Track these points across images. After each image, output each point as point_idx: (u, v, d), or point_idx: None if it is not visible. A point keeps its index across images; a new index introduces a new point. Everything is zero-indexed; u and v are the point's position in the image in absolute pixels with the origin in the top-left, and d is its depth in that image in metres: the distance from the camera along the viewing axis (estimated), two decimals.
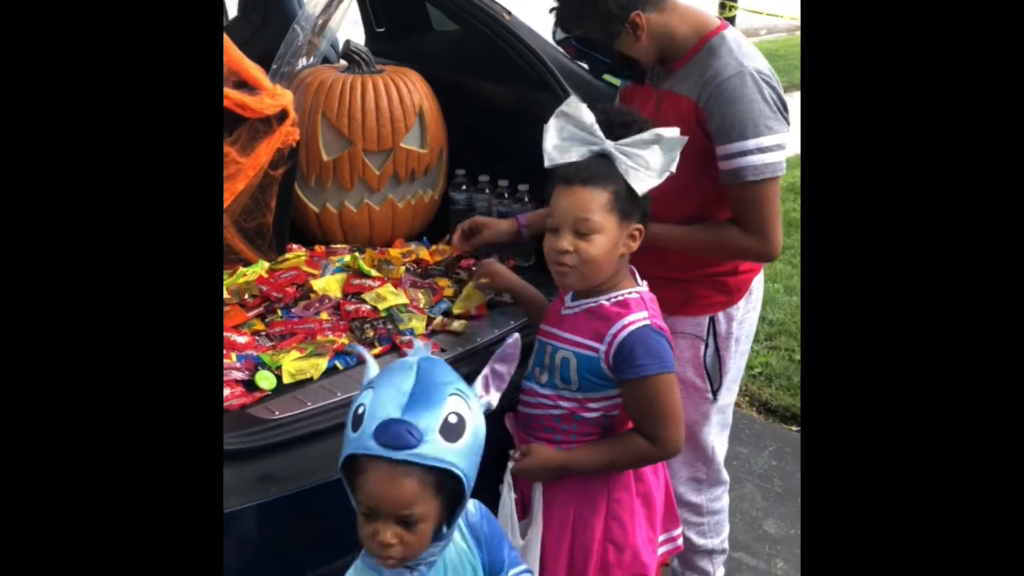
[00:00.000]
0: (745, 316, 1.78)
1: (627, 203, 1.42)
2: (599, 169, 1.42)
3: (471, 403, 1.22)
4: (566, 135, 1.44)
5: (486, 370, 1.32)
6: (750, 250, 1.61)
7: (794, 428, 3.05)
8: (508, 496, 1.49)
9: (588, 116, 1.43)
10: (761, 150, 1.53)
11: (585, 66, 2.21)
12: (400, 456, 1.12)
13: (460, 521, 1.28)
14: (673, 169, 1.41)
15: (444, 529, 1.22)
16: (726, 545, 2.07)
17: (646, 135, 1.41)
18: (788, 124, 1.58)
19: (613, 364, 1.44)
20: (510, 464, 1.48)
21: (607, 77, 2.14)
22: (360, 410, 1.18)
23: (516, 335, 1.35)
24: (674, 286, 1.67)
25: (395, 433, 1.12)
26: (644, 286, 1.51)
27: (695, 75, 1.59)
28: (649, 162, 1.40)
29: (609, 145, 1.41)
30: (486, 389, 1.32)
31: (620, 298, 1.46)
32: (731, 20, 3.37)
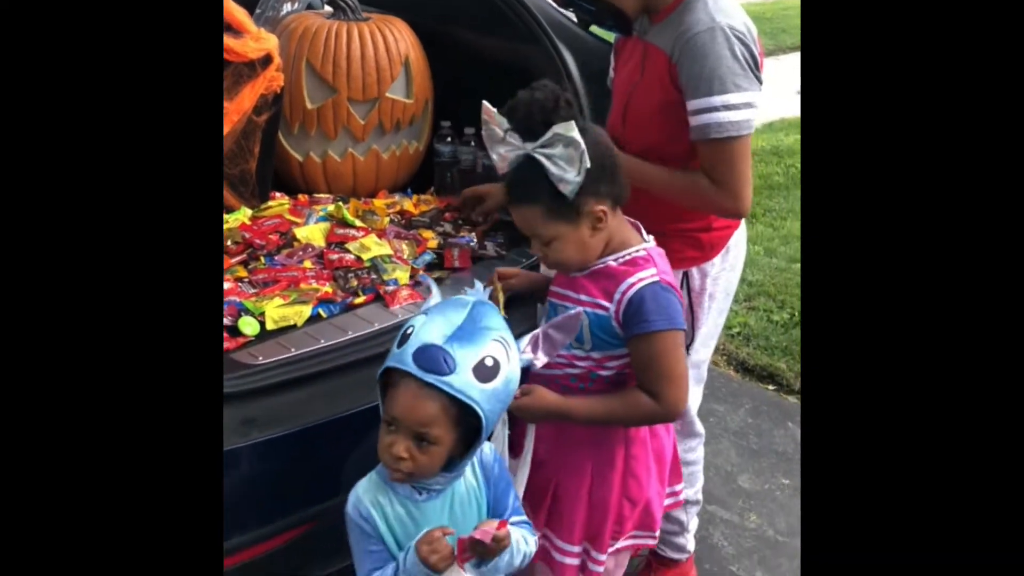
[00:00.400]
0: (720, 273, 1.78)
1: (560, 205, 1.37)
2: (525, 180, 1.37)
3: (510, 353, 1.28)
4: (495, 143, 1.40)
5: (539, 331, 1.37)
6: (719, 205, 1.61)
7: (770, 387, 3.10)
8: (502, 432, 1.47)
9: (499, 126, 1.38)
10: (728, 107, 1.52)
11: (573, 18, 2.20)
12: (430, 379, 1.19)
13: (474, 459, 1.34)
14: (587, 163, 1.32)
15: (456, 462, 1.28)
16: (700, 496, 2.10)
17: (549, 134, 1.32)
18: (759, 83, 1.57)
19: (623, 321, 1.43)
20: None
21: (594, 29, 2.13)
22: (409, 331, 1.25)
23: (579, 309, 1.39)
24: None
25: (431, 357, 1.20)
26: (651, 241, 1.50)
27: (672, 29, 1.58)
28: (566, 159, 1.33)
29: (529, 149, 1.35)
30: (534, 348, 1.36)
31: (627, 257, 1.45)
32: None
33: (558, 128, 1.31)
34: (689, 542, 2.14)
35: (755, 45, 1.58)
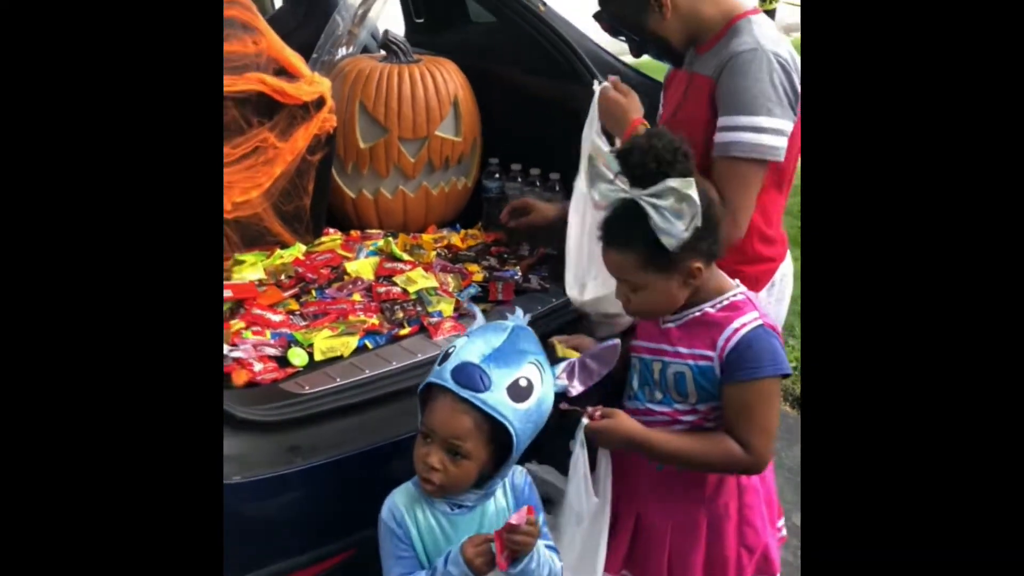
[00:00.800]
0: (767, 307, 1.77)
1: (659, 255, 1.32)
2: (628, 226, 1.33)
3: (545, 377, 1.35)
4: (599, 180, 1.37)
5: (575, 359, 1.42)
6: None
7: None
8: (581, 454, 1.42)
9: (613, 164, 1.34)
10: (756, 129, 1.53)
11: (621, 58, 2.24)
12: (465, 394, 1.27)
13: (506, 482, 1.39)
14: (698, 222, 1.28)
15: (487, 480, 1.34)
16: None
17: (662, 186, 1.29)
18: (793, 114, 1.57)
19: (724, 366, 1.36)
20: (584, 420, 1.40)
21: (641, 65, 2.15)
22: (451, 350, 1.34)
23: (617, 341, 1.41)
24: None
25: (469, 374, 1.28)
26: (742, 286, 1.45)
27: (717, 54, 1.61)
28: (675, 213, 1.28)
29: (636, 195, 1.31)
30: (569, 377, 1.41)
31: (726, 302, 1.40)
32: (771, 13, 3.35)
33: (674, 183, 1.28)
34: None
35: (797, 75, 1.58)
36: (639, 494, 1.50)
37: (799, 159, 1.75)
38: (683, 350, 1.40)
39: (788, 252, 1.85)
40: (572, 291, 1.76)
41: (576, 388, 1.39)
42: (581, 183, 1.66)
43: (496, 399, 1.27)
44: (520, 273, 2.05)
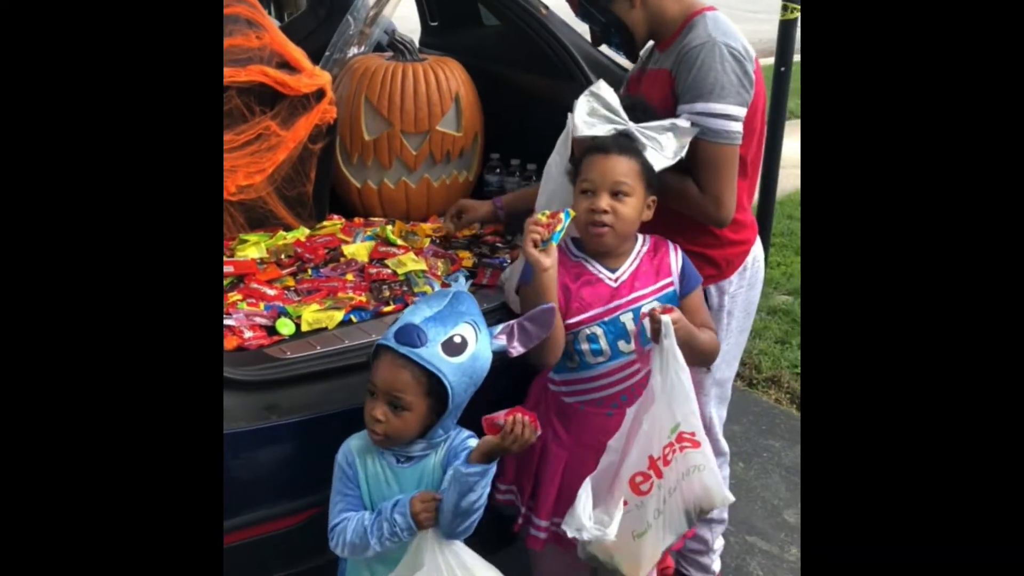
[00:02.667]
0: (738, 291, 1.84)
1: (651, 174, 1.60)
2: (628, 143, 1.59)
3: (480, 335, 1.47)
4: (594, 112, 1.60)
5: (514, 322, 1.53)
6: (703, 210, 1.70)
7: None
8: (671, 344, 1.49)
9: (615, 99, 1.61)
10: (711, 114, 1.62)
11: (613, 60, 2.34)
12: (403, 351, 1.40)
13: (442, 450, 1.49)
14: (683, 155, 1.60)
15: (430, 430, 1.46)
16: (725, 515, 2.13)
17: (664, 122, 1.60)
18: (746, 99, 1.66)
19: (681, 283, 1.67)
20: (666, 318, 1.47)
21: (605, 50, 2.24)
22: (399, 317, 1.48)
23: (553, 304, 1.53)
24: None
25: (407, 332, 1.41)
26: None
27: (675, 50, 1.70)
28: (664, 145, 1.59)
29: (632, 126, 1.59)
30: (508, 338, 1.52)
31: (648, 241, 1.69)
32: (791, 23, 3.40)
33: (680, 121, 1.60)
34: (715, 562, 2.16)
35: (750, 63, 1.67)
36: (575, 433, 1.68)
37: (760, 148, 1.82)
38: (647, 289, 1.64)
39: (757, 237, 1.91)
40: None
41: (516, 349, 1.51)
42: (553, 165, 1.79)
43: (431, 353, 1.39)
44: (509, 261, 2.15)
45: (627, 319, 1.63)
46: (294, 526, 1.67)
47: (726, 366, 1.93)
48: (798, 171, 5.04)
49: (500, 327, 1.52)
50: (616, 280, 1.64)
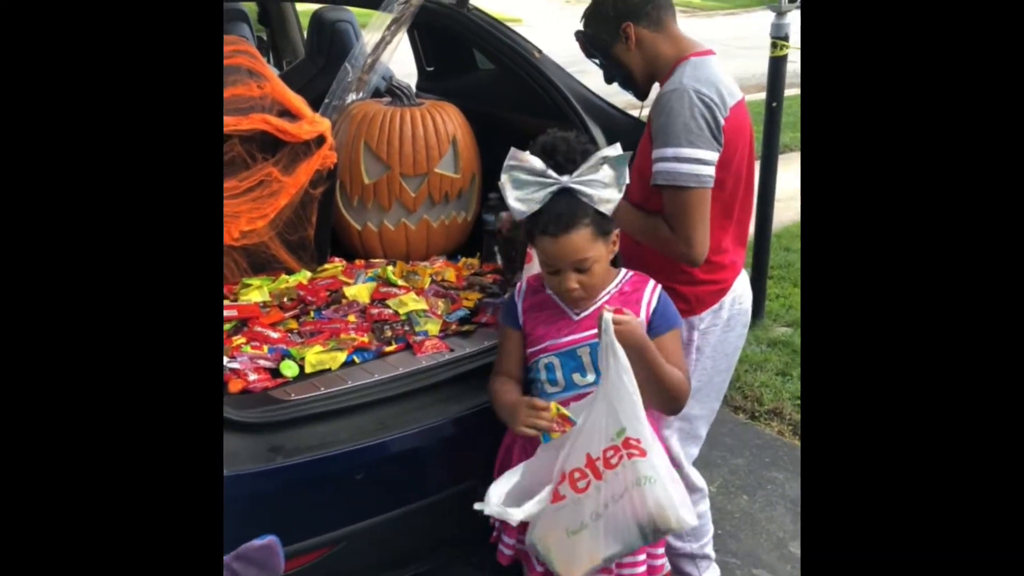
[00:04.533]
0: (711, 329, 1.85)
1: (603, 222, 1.53)
2: (570, 209, 1.50)
3: None
4: (523, 185, 1.51)
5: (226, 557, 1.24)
6: (674, 249, 1.72)
7: None
8: (608, 339, 1.45)
9: (537, 163, 1.50)
10: (678, 159, 1.66)
11: (607, 100, 2.39)
12: None
13: None
14: (627, 180, 1.51)
15: None
16: (709, 551, 2.11)
17: (592, 160, 1.49)
18: (717, 146, 1.69)
19: (650, 324, 1.60)
20: (607, 313, 1.45)
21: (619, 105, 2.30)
22: None
23: (272, 538, 1.27)
24: None
25: None
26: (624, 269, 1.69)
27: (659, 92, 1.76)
28: (606, 182, 1.50)
29: (565, 181, 1.49)
30: None
31: (625, 282, 1.64)
32: (781, 60, 3.48)
33: (605, 151, 1.51)
34: None
35: (721, 111, 1.70)
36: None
37: (748, 188, 1.85)
38: None
39: (742, 278, 1.92)
40: None
41: None
42: None
43: None
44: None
45: (584, 352, 1.61)
46: (302, 567, 1.68)
47: (695, 403, 1.89)
48: (793, 203, 5.10)
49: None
50: (578, 314, 1.63)
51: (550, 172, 1.50)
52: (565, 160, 1.50)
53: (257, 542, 1.22)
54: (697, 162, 1.66)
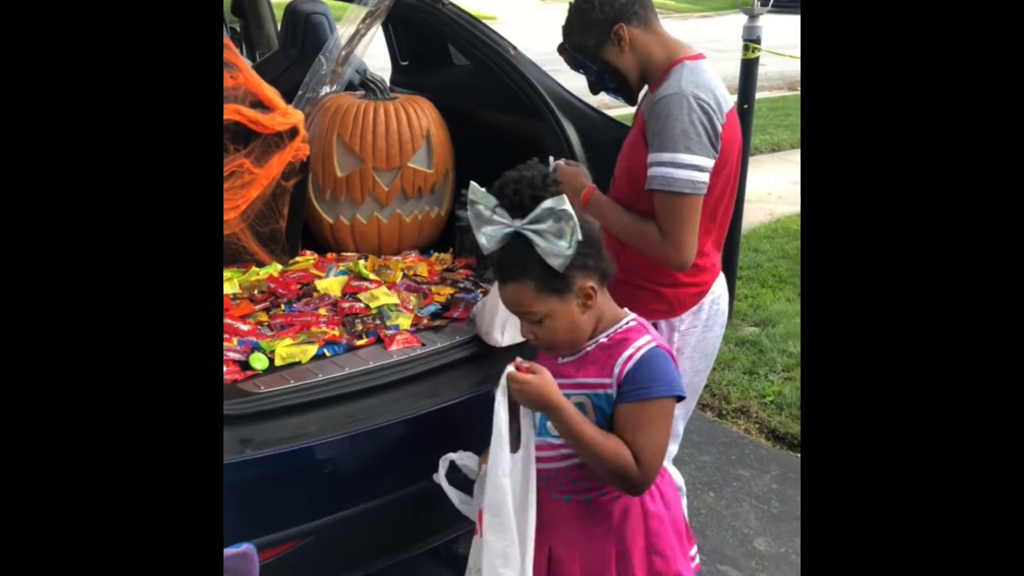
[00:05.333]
0: (690, 330, 1.87)
1: (553, 279, 1.38)
2: (514, 258, 1.39)
3: None
4: (483, 222, 1.41)
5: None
6: (663, 253, 1.72)
7: (799, 455, 3.11)
8: (502, 401, 1.38)
9: (490, 201, 1.39)
10: (675, 164, 1.66)
11: (583, 99, 2.40)
12: None
13: None
14: (578, 236, 1.35)
15: None
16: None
17: (539, 210, 1.35)
18: (713, 152, 1.69)
19: (621, 386, 1.39)
20: (509, 368, 1.37)
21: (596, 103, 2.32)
22: None
23: (248, 548, 1.22)
24: (623, 289, 1.79)
25: None
26: (631, 315, 1.50)
27: (652, 97, 1.75)
28: (556, 233, 1.35)
29: (517, 226, 1.37)
30: None
31: (621, 329, 1.45)
32: (752, 62, 3.52)
33: (548, 203, 1.33)
34: None
35: (719, 117, 1.70)
36: (548, 528, 1.50)
37: (733, 194, 1.87)
38: (582, 380, 1.43)
39: (720, 279, 1.95)
40: (494, 334, 1.90)
41: None
42: None
43: None
44: (481, 296, 2.19)
45: None
46: (271, 559, 1.67)
47: None
48: (762, 205, 5.16)
49: None
50: (563, 358, 1.49)
51: (499, 214, 1.39)
52: (511, 204, 1.38)
53: (233, 549, 1.17)
54: (694, 168, 1.66)
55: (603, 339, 1.44)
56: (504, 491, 1.36)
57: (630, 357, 1.40)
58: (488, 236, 1.40)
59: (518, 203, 1.37)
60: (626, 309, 1.50)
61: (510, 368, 1.37)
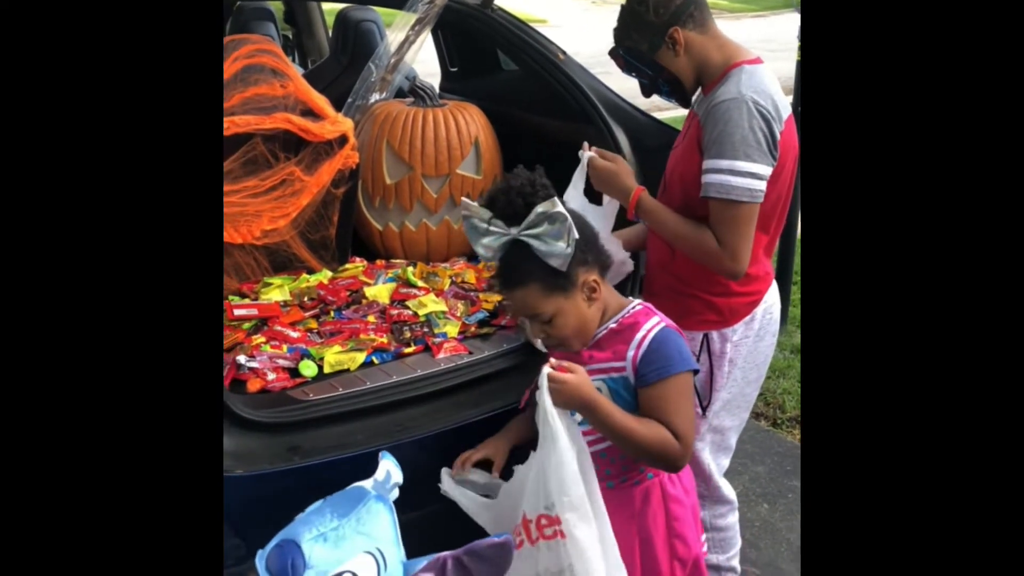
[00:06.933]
0: (743, 340, 1.82)
1: (557, 278, 1.43)
2: (517, 264, 1.44)
3: (384, 573, 1.13)
4: (480, 235, 1.47)
5: (452, 555, 1.20)
6: (718, 262, 1.67)
7: None
8: (545, 399, 1.35)
9: (484, 214, 1.45)
10: (733, 172, 1.61)
11: (632, 102, 2.37)
12: None
13: None
14: (575, 234, 1.39)
15: None
16: (735, 564, 2.08)
17: (532, 216, 1.40)
18: (772, 160, 1.65)
19: (639, 370, 1.44)
20: (547, 368, 1.37)
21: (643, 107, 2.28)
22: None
23: (507, 537, 1.24)
24: (674, 299, 1.77)
25: (280, 557, 1.11)
26: (636, 300, 1.56)
27: (708, 101, 1.71)
28: (553, 235, 1.39)
29: (513, 233, 1.42)
30: (440, 574, 1.19)
31: (628, 313, 1.51)
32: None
33: (541, 207, 1.39)
34: None
35: (778, 124, 1.66)
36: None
37: (788, 201, 1.82)
38: (596, 366, 1.48)
39: (773, 288, 1.90)
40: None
41: None
42: (569, 199, 1.76)
43: None
44: None
45: None
46: None
47: (726, 414, 1.89)
48: None
49: (426, 561, 1.18)
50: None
51: (495, 224, 1.44)
52: (504, 214, 1.43)
53: (493, 540, 1.20)
54: (752, 176, 1.62)
55: (613, 325, 1.49)
56: (576, 483, 1.34)
57: (642, 339, 1.45)
58: (486, 247, 1.46)
59: (511, 212, 1.42)
60: (631, 297, 1.55)
61: (547, 369, 1.37)
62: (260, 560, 1.14)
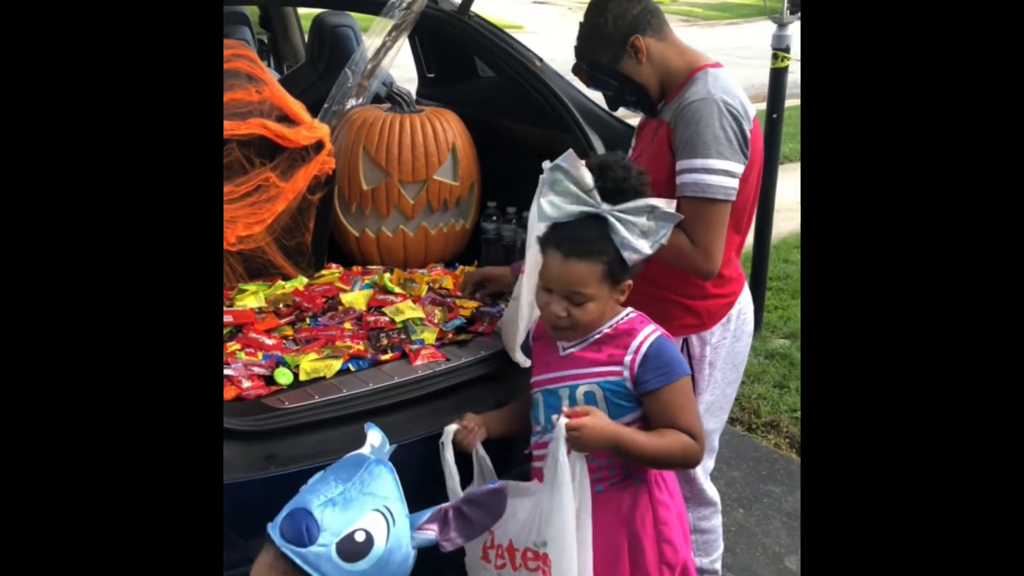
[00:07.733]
0: (721, 342, 1.85)
1: (618, 269, 1.44)
2: (594, 238, 1.41)
3: (395, 528, 1.18)
4: (562, 192, 1.43)
5: (449, 506, 1.27)
6: (692, 262, 1.70)
7: None
8: (560, 451, 1.36)
9: (588, 177, 1.41)
10: (707, 170, 1.64)
11: (606, 110, 2.38)
12: (286, 549, 1.13)
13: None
14: (664, 241, 1.42)
15: None
16: (718, 567, 2.11)
17: (641, 203, 1.40)
18: (743, 158, 1.68)
19: (638, 376, 1.45)
20: (563, 420, 1.37)
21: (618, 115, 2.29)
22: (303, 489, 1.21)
23: (503, 483, 1.31)
24: (652, 304, 1.78)
25: (294, 523, 1.15)
26: (629, 308, 1.57)
27: (676, 104, 1.73)
28: (643, 230, 1.41)
29: (604, 209, 1.40)
30: (441, 528, 1.25)
31: (621, 322, 1.52)
32: (782, 71, 3.48)
33: (656, 201, 1.40)
34: None
35: (747, 123, 1.69)
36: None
37: (756, 202, 1.85)
38: (589, 369, 1.49)
39: (745, 289, 1.92)
40: (517, 355, 1.82)
41: (452, 542, 1.27)
42: (534, 248, 1.62)
43: (321, 557, 1.10)
44: (505, 308, 2.17)
45: (565, 394, 1.52)
46: None
47: (710, 417, 1.92)
48: (792, 214, 5.09)
49: (429, 513, 1.25)
50: (565, 349, 1.54)
51: (596, 194, 1.41)
52: (614, 189, 1.42)
53: (488, 487, 1.29)
54: (725, 174, 1.65)
55: (607, 329, 1.50)
56: (571, 530, 1.39)
57: (639, 345, 1.47)
58: (557, 208, 1.42)
59: (619, 189, 1.41)
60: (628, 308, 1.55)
61: (564, 420, 1.37)
62: (273, 530, 1.17)
